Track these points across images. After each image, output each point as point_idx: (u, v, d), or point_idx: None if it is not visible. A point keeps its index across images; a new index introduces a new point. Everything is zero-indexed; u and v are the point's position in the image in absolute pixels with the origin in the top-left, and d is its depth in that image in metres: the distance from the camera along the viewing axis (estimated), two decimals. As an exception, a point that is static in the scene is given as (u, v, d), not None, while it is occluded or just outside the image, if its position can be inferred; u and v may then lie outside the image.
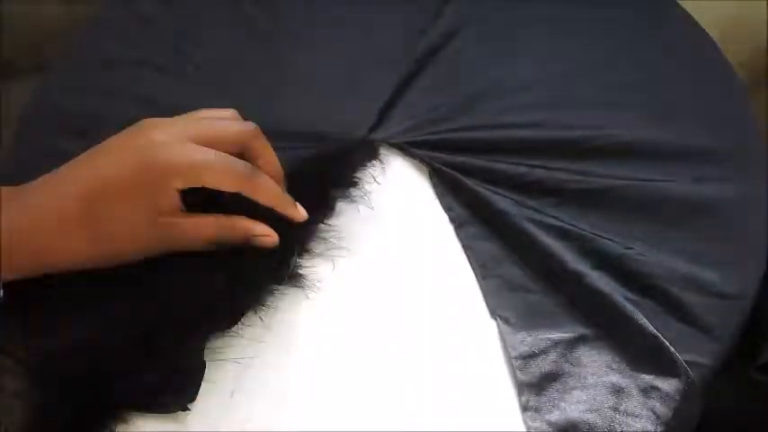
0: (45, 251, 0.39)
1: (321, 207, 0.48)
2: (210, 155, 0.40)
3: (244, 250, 0.43)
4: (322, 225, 0.48)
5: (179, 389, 0.40)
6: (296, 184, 0.47)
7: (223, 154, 0.40)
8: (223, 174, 0.40)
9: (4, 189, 0.39)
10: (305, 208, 0.45)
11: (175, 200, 0.40)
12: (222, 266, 0.42)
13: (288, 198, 0.44)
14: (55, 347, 0.41)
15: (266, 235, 0.43)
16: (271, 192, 0.43)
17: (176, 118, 0.43)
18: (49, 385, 0.40)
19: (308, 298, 0.45)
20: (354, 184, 0.50)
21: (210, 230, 0.41)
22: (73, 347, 0.40)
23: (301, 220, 0.45)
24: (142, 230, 0.40)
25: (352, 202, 0.50)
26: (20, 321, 0.43)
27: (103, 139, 0.41)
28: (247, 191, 0.41)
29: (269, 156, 0.43)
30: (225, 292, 0.41)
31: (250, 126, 0.43)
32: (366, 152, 0.52)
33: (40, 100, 0.56)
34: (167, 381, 0.40)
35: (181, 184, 0.39)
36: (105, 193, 0.38)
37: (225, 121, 0.43)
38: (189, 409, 0.39)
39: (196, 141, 0.40)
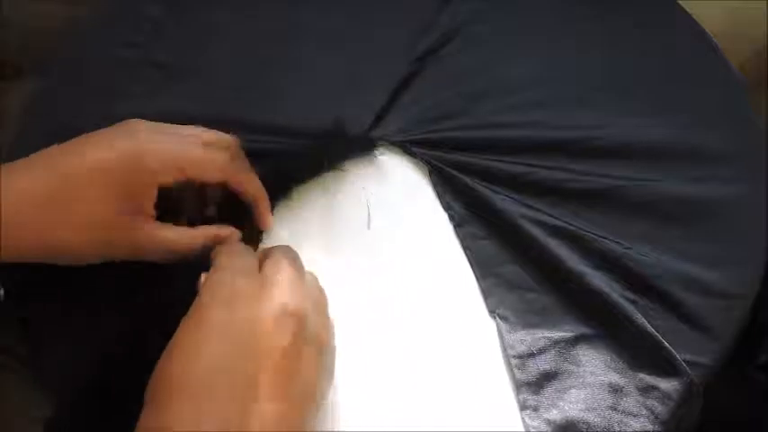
0: (32, 231, 0.37)
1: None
2: (199, 150, 0.40)
3: None
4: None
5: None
6: (294, 182, 0.47)
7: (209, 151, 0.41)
8: (210, 164, 0.40)
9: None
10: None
11: (152, 202, 0.39)
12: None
13: (267, 203, 0.45)
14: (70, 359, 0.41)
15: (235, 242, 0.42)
16: (255, 183, 0.43)
17: (164, 126, 0.42)
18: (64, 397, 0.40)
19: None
20: (353, 183, 0.50)
21: (181, 240, 0.40)
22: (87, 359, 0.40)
23: (266, 229, 0.45)
24: (110, 222, 0.38)
25: (351, 200, 0.50)
26: (21, 322, 0.44)
27: None
28: (232, 179, 0.42)
29: (251, 182, 0.44)
30: None
31: (229, 152, 0.42)
32: (365, 150, 0.52)
33: (40, 100, 0.56)
34: None
35: (168, 178, 0.39)
36: (87, 177, 0.37)
37: (209, 149, 0.42)
38: None
39: (180, 164, 0.40)
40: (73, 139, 0.40)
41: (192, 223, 0.42)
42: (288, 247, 0.39)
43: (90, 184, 0.37)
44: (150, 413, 0.31)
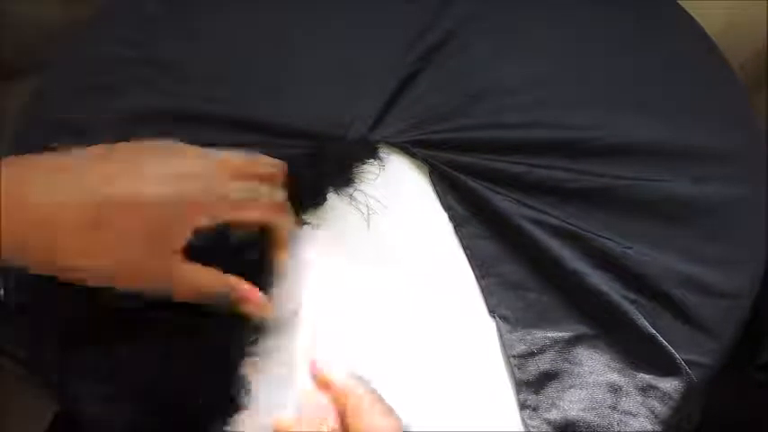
0: (54, 248, 0.36)
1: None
2: (243, 193, 0.39)
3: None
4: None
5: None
6: (295, 184, 0.46)
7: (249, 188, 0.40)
8: (248, 209, 0.40)
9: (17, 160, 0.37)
10: (303, 207, 0.45)
11: (185, 240, 0.38)
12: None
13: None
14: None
15: (259, 304, 0.41)
16: (285, 232, 0.43)
17: (208, 151, 0.41)
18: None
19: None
20: (354, 184, 0.50)
21: (210, 284, 0.39)
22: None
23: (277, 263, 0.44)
24: (139, 258, 0.37)
25: (352, 201, 0.50)
26: (20, 322, 0.44)
27: (103, 140, 0.40)
28: (271, 220, 0.41)
29: (283, 227, 0.43)
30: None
31: (270, 185, 0.42)
32: (366, 152, 0.52)
33: (40, 100, 0.56)
34: None
35: (206, 222, 0.38)
36: (123, 206, 0.36)
37: (248, 191, 0.41)
38: None
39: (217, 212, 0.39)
40: (114, 152, 0.38)
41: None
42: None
43: (124, 217, 0.36)
44: None
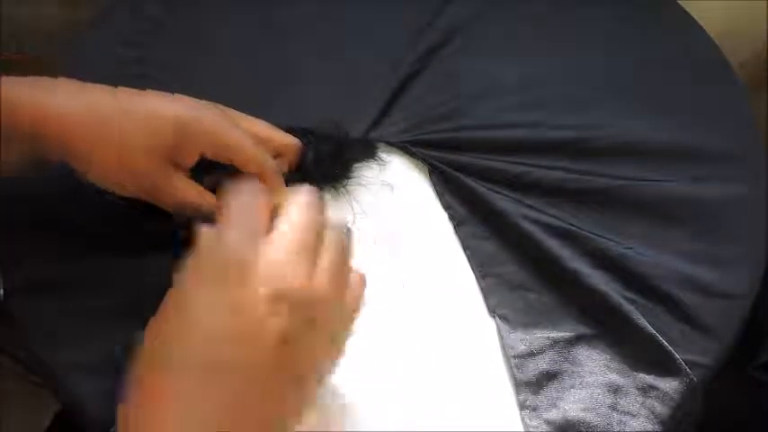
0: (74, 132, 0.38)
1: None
2: (250, 142, 0.41)
3: None
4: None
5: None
6: (294, 184, 0.46)
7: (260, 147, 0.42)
8: (253, 162, 0.41)
9: None
10: None
11: (191, 161, 0.41)
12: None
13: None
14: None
15: None
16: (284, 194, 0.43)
17: (232, 112, 0.44)
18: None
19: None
20: (353, 184, 0.50)
21: (196, 198, 0.42)
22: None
23: None
24: (141, 165, 0.39)
25: (351, 201, 0.50)
26: (21, 322, 0.44)
27: None
28: (266, 177, 0.42)
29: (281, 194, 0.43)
30: None
31: (280, 159, 0.45)
32: (365, 151, 0.52)
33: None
34: None
35: (209, 152, 0.40)
36: (144, 122, 0.39)
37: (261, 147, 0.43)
38: None
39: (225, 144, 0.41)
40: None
41: None
42: (308, 189, 0.35)
43: (141, 133, 0.39)
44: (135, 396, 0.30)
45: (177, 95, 0.42)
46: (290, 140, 0.46)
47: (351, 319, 0.36)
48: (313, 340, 0.32)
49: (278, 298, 0.30)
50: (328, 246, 0.34)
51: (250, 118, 0.45)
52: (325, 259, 0.33)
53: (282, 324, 0.30)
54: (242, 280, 0.30)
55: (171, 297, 0.31)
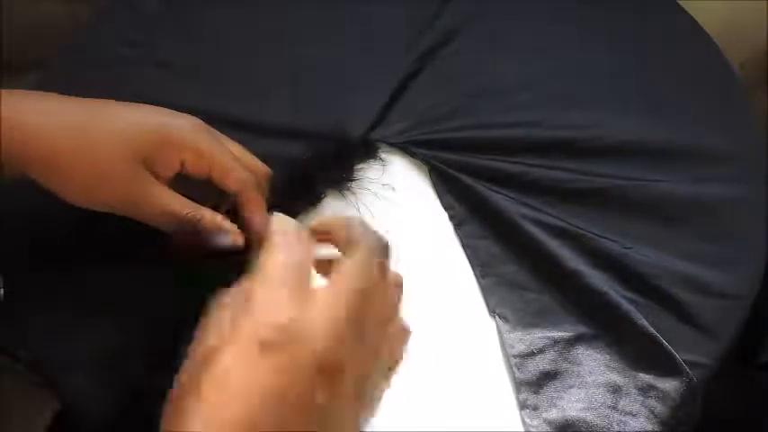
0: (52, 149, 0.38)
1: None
2: (231, 157, 0.41)
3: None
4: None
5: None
6: (294, 184, 0.47)
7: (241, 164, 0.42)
8: (234, 174, 0.41)
9: None
10: (302, 207, 0.45)
11: (171, 172, 0.40)
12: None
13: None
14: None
15: (231, 233, 0.41)
16: (263, 219, 0.42)
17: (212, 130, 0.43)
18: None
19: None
20: (353, 184, 0.50)
21: (180, 208, 0.41)
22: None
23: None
24: (120, 172, 0.39)
25: (352, 201, 0.50)
26: (21, 322, 0.44)
27: None
28: (245, 202, 0.42)
29: (260, 215, 0.43)
30: None
31: (254, 178, 0.43)
32: (365, 151, 0.52)
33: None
34: None
35: (188, 161, 0.40)
36: (120, 132, 0.39)
37: (239, 164, 0.42)
38: None
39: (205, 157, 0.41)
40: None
41: None
42: (376, 234, 0.33)
43: (119, 139, 0.39)
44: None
45: (158, 107, 0.41)
46: (261, 166, 0.45)
47: (389, 375, 0.35)
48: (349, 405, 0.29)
49: (319, 372, 0.27)
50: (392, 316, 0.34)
51: (226, 137, 0.43)
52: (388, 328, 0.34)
53: (323, 396, 0.27)
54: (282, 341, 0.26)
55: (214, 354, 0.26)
